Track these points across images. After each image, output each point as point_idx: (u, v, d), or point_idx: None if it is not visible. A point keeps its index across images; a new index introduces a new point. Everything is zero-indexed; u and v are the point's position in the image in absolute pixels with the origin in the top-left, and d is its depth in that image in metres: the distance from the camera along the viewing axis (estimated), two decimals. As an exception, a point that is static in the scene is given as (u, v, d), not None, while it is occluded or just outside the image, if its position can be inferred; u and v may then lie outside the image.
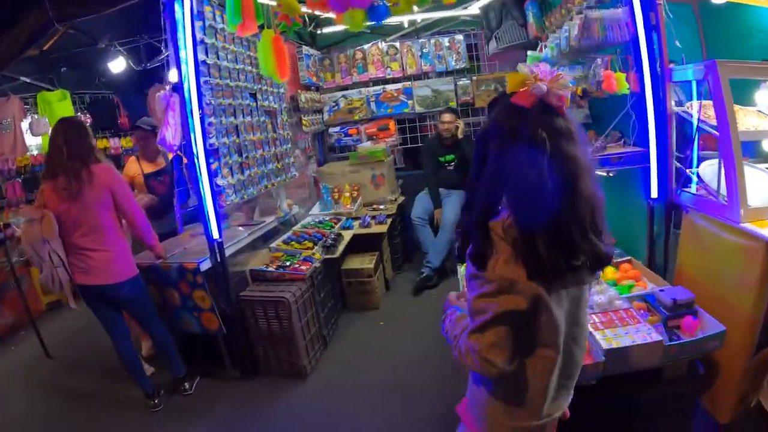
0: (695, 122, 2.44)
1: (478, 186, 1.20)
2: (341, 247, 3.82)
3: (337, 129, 5.19)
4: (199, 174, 2.86)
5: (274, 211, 3.93)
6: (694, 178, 2.53)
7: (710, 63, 2.18)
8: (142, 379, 3.03)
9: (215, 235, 2.95)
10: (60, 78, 4.72)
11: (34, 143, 4.60)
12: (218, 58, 3.09)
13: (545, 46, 3.47)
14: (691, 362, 2.09)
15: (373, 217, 4.42)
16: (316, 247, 3.68)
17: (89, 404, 3.23)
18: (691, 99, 2.51)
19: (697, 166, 2.56)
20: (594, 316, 2.17)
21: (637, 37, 2.50)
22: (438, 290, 4.29)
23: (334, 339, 3.64)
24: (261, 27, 2.74)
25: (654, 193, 2.66)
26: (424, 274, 4.32)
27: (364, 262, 4.09)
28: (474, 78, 4.92)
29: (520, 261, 1.11)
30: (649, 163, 2.62)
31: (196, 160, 2.84)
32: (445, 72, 5.01)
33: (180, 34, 2.71)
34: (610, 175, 2.71)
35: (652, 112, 2.53)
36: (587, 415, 1.95)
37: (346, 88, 5.17)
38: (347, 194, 4.70)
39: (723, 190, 2.26)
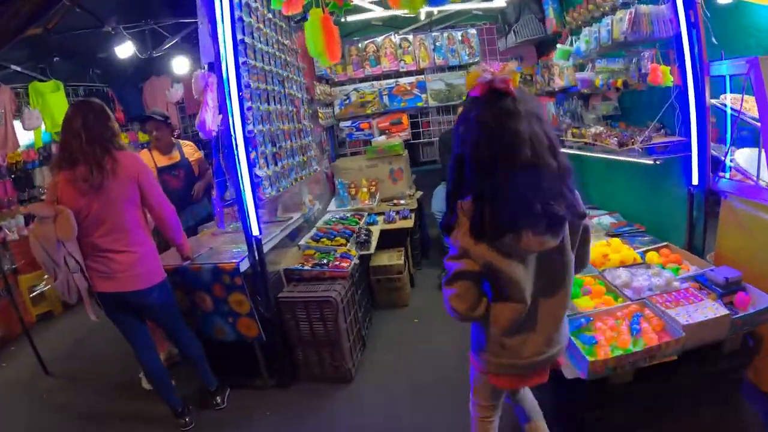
0: (728, 112, 2.46)
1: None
2: (374, 243, 3.51)
3: (349, 123, 4.86)
4: (237, 163, 2.49)
5: (299, 207, 3.58)
6: (728, 164, 2.53)
7: (753, 59, 2.18)
8: (169, 395, 2.61)
9: (255, 231, 2.59)
10: (53, 68, 4.17)
11: (26, 138, 4.04)
12: (253, 38, 2.72)
13: (577, 40, 3.32)
14: (743, 336, 2.17)
15: (397, 212, 4.13)
16: (349, 244, 3.36)
17: (106, 425, 2.81)
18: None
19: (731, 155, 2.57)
20: (659, 297, 2.22)
21: (680, 33, 2.48)
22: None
23: (371, 339, 3.32)
24: (307, 6, 2.42)
25: (695, 180, 2.64)
26: None
27: (392, 258, 3.79)
28: (487, 72, 4.71)
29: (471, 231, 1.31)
30: (689, 151, 2.61)
31: (234, 148, 2.47)
32: (458, 66, 4.78)
33: (218, 9, 2.34)
34: (657, 162, 2.62)
35: (694, 103, 2.53)
36: (666, 388, 2.08)
37: (356, 81, 4.85)
38: (365, 189, 4.39)
39: (763, 175, 2.26)
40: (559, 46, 3.47)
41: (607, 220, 3.60)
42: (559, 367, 1.64)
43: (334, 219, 3.95)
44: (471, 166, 1.29)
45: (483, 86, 1.25)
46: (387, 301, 3.77)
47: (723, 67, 2.43)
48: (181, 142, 3.58)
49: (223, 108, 2.39)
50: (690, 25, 2.48)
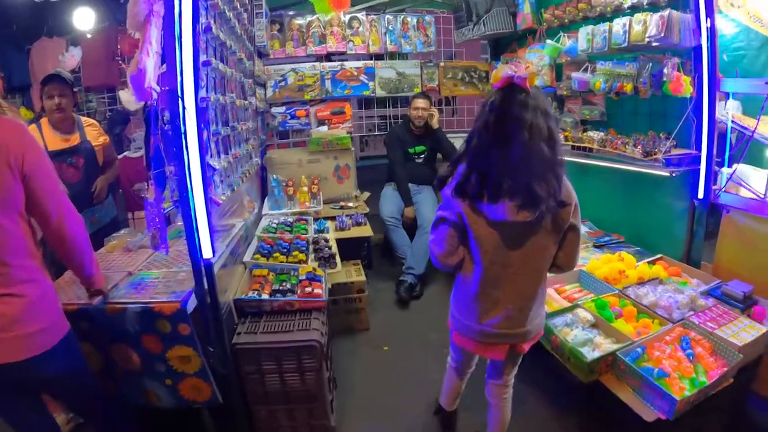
0: (729, 125, 2.45)
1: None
2: (338, 259, 2.73)
3: (282, 110, 3.93)
4: (184, 147, 1.56)
5: (239, 212, 2.63)
6: (725, 179, 2.51)
7: None
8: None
9: (206, 252, 1.67)
10: None
11: None
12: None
13: (568, 37, 2.99)
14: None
15: (350, 217, 3.39)
16: (310, 260, 2.54)
17: None
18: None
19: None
20: (696, 317, 2.10)
21: (701, 45, 2.36)
22: (426, 300, 3.45)
23: (340, 377, 2.53)
24: None
25: (701, 194, 2.55)
26: (408, 282, 3.44)
27: (350, 274, 3.05)
28: (441, 64, 4.19)
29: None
30: (696, 164, 2.51)
31: (181, 123, 1.54)
32: (411, 55, 4.18)
33: None
34: (674, 175, 2.47)
35: (707, 117, 2.43)
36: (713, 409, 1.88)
37: (295, 60, 3.93)
38: (305, 189, 3.55)
39: None
40: (548, 41, 3.09)
41: (581, 229, 3.35)
42: (521, 351, 1.68)
43: (275, 225, 3.05)
44: (477, 140, 1.44)
45: (505, 80, 1.40)
46: (344, 325, 3.01)
47: (729, 84, 2.40)
48: (83, 119, 2.42)
49: (168, 57, 1.44)
50: (708, 38, 2.38)
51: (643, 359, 1.89)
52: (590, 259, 2.71)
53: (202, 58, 1.60)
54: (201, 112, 1.61)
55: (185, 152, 1.57)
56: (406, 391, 2.43)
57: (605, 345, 2.00)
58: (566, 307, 2.29)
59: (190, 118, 1.55)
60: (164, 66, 1.45)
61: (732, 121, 2.51)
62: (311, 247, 2.75)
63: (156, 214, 1.57)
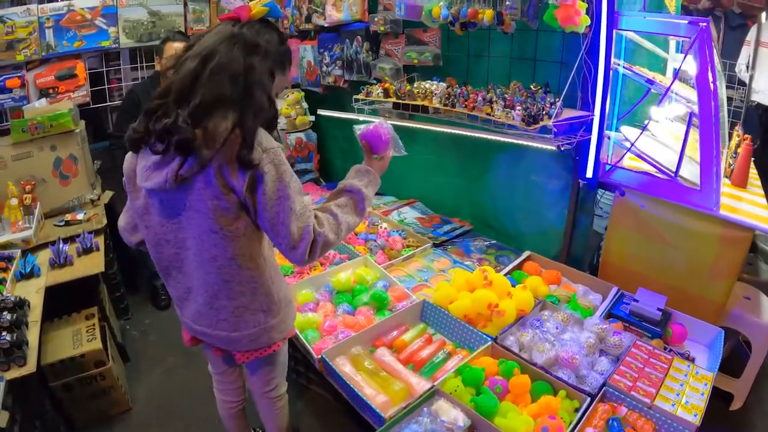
0: (621, 71, 2.09)
1: None
2: (35, 342, 1.95)
3: (-13, 81, 2.71)
4: None
5: None
6: (610, 147, 2.19)
7: (702, 20, 1.74)
8: None
9: None
10: None
11: None
12: None
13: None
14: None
15: (71, 241, 2.48)
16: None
17: None
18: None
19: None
20: (618, 375, 1.56)
21: None
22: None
23: None
24: None
25: (590, 172, 2.12)
26: None
27: (79, 338, 2.21)
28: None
29: None
30: (588, 133, 2.05)
31: None
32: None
33: None
34: (563, 149, 1.96)
35: (603, 63, 1.93)
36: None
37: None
38: (14, 202, 2.48)
39: (687, 173, 1.96)
40: None
41: (410, 213, 2.80)
42: (237, 361, 1.51)
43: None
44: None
45: (227, 15, 1.30)
46: (91, 413, 2.24)
47: (631, 22, 1.96)
48: None
49: None
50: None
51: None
52: (434, 278, 2.06)
53: None
54: None
55: None
56: None
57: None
58: (418, 401, 1.50)
59: None
60: None
61: (632, 71, 2.09)
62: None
63: None
